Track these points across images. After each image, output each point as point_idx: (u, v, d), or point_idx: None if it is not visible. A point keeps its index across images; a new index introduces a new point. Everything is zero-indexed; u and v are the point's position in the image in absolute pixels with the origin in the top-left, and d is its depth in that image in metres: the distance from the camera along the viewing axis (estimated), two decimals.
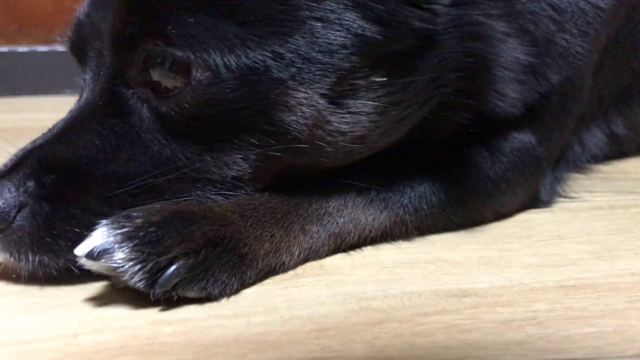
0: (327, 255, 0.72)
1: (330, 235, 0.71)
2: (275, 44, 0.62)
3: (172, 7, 0.61)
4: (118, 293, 0.62)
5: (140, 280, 0.57)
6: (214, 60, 0.61)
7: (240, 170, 0.67)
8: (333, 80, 0.64)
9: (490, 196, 0.81)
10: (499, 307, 0.60)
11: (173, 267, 0.58)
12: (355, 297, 0.62)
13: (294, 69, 0.63)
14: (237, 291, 0.63)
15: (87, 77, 0.71)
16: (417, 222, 0.76)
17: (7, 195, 0.62)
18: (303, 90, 0.64)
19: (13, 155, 0.68)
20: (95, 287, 0.64)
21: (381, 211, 0.74)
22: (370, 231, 0.74)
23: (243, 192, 0.68)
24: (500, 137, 0.82)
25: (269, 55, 0.62)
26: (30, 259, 0.62)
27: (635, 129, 1.14)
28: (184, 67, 0.62)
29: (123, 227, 0.59)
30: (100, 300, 0.61)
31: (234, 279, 0.62)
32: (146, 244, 0.58)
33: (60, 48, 2.34)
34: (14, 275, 0.64)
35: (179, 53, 0.62)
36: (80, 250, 0.58)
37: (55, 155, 0.65)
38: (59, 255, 0.62)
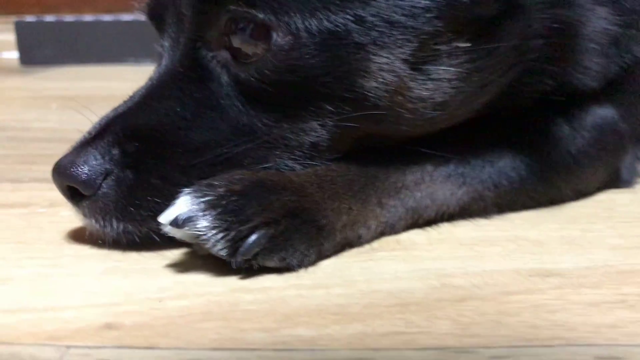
0: (403, 230, 0.71)
1: (407, 210, 0.70)
2: (357, 7, 0.61)
3: None
4: (198, 260, 0.62)
5: (222, 248, 0.58)
6: (296, 23, 0.61)
7: (317, 137, 0.66)
8: (415, 45, 0.63)
9: (571, 173, 0.79)
10: (585, 289, 0.58)
11: (254, 236, 0.58)
12: (434, 273, 0.61)
13: (375, 33, 0.62)
14: (314, 262, 0.62)
15: (166, 43, 0.71)
16: (496, 198, 0.75)
17: (94, 162, 0.63)
18: (384, 55, 0.62)
19: (96, 122, 0.68)
20: (174, 254, 0.65)
21: (459, 186, 0.72)
22: (448, 207, 0.72)
23: (320, 161, 0.68)
24: (581, 111, 0.79)
25: (351, 18, 0.61)
26: (114, 225, 0.63)
27: None
28: (265, 31, 0.62)
29: (206, 195, 0.59)
30: (180, 266, 0.62)
31: (312, 251, 0.62)
32: (228, 212, 0.58)
33: (125, 17, 2.36)
34: (99, 241, 0.65)
35: (260, 15, 0.61)
36: (165, 217, 0.59)
37: (138, 123, 0.66)
38: (141, 223, 0.63)
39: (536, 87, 0.73)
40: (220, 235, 0.57)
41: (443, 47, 0.65)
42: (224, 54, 0.65)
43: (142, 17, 0.78)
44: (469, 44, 0.65)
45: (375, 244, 0.68)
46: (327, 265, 0.63)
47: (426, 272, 0.61)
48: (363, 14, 0.61)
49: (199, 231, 0.57)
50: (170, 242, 0.64)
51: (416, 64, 0.64)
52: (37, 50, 2.44)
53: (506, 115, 0.75)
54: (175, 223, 0.58)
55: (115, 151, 0.64)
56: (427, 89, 0.66)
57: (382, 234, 0.69)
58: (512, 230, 0.72)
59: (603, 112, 0.80)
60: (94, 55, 2.41)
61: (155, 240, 0.64)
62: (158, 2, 0.72)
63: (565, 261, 0.63)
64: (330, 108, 0.64)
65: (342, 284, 0.59)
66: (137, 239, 0.64)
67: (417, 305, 0.55)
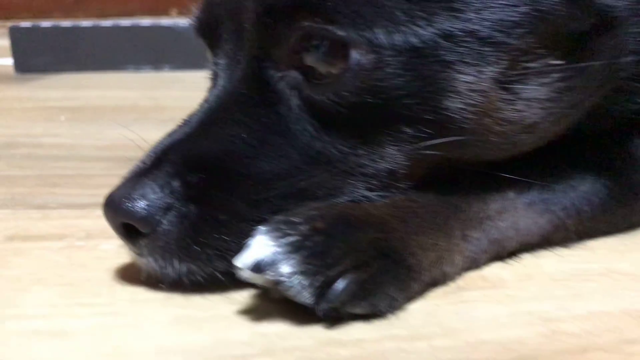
0: (485, 264, 0.65)
1: (490, 242, 0.64)
2: (445, 21, 0.55)
3: None
4: (272, 305, 0.56)
5: (307, 296, 0.51)
6: (379, 40, 0.55)
7: (395, 164, 0.60)
8: (505, 63, 0.57)
9: None
10: None
11: (343, 281, 0.51)
12: (537, 317, 0.55)
13: (464, 50, 0.56)
14: (402, 306, 0.56)
15: (222, 61, 0.64)
16: (578, 225, 0.69)
17: (152, 196, 0.56)
18: (473, 74, 0.57)
19: (150, 150, 0.62)
20: (243, 297, 0.58)
21: (541, 214, 0.67)
22: (530, 237, 0.66)
23: (395, 189, 0.61)
24: None
25: (439, 33, 0.55)
26: (176, 266, 0.57)
27: None
28: (344, 49, 0.56)
29: (287, 235, 0.52)
30: (255, 314, 0.55)
31: (401, 293, 0.55)
32: (315, 255, 0.52)
33: (124, 22, 2.29)
34: (157, 283, 0.58)
35: (340, 32, 0.55)
36: (242, 261, 0.52)
37: (200, 151, 0.59)
38: (207, 263, 0.57)
39: (625, 107, 0.68)
40: (307, 281, 0.51)
41: (534, 65, 0.59)
42: (294, 74, 0.59)
43: (141, 23, 0.71)
44: (561, 61, 0.60)
45: (460, 281, 0.62)
46: (416, 310, 0.56)
47: (529, 317, 0.55)
48: (451, 29, 0.55)
49: (283, 277, 0.51)
50: (235, 283, 0.57)
51: (505, 84, 0.59)
52: (33, 57, 2.35)
53: (587, 136, 0.69)
54: (255, 268, 0.51)
55: (175, 183, 0.57)
56: (516, 110, 0.60)
57: (465, 269, 0.63)
58: (601, 262, 0.66)
59: None
60: (92, 62, 2.32)
61: (220, 281, 0.57)
62: (212, 16, 0.66)
63: None
64: (410, 132, 0.58)
65: (442, 334, 0.52)
66: (200, 281, 0.58)
67: (539, 358, 0.48)
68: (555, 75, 0.60)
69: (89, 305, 0.57)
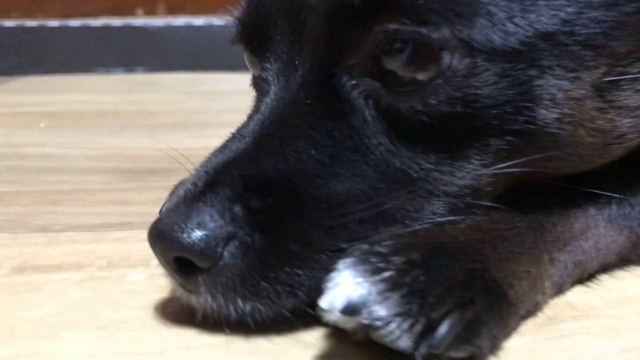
0: (568, 289, 0.58)
1: (575, 265, 0.58)
2: (545, 20, 0.49)
3: None
4: (349, 347, 0.48)
5: (406, 340, 0.44)
6: (478, 42, 0.48)
7: (479, 181, 0.53)
8: (605, 68, 0.51)
9: None
10: None
11: (447, 323, 0.44)
12: None
13: (563, 54, 0.50)
14: (502, 345, 0.49)
15: (273, 67, 0.56)
16: None
17: (212, 224, 0.48)
18: (571, 80, 0.50)
19: (200, 168, 0.53)
20: (313, 339, 0.50)
21: (621, 231, 0.61)
22: (610, 256, 0.61)
23: (476, 209, 0.54)
24: None
25: (538, 34, 0.49)
26: (239, 305, 0.48)
27: None
28: (435, 52, 0.49)
29: (379, 270, 0.45)
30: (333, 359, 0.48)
31: (501, 331, 0.49)
32: (414, 293, 0.44)
33: (94, 22, 2.17)
34: (216, 326, 0.50)
35: (434, 35, 0.48)
36: (330, 302, 0.44)
37: (262, 171, 0.51)
38: (275, 301, 0.49)
39: None
40: (407, 325, 0.44)
41: (630, 70, 0.53)
42: (370, 82, 0.51)
43: (112, 23, 0.63)
44: None
45: (548, 311, 0.55)
46: (515, 348, 0.50)
47: (638, 351, 0.49)
48: (552, 30, 0.49)
49: (378, 320, 0.43)
50: (303, 321, 0.50)
51: (602, 91, 0.53)
52: None
53: None
54: (346, 310, 0.44)
55: (237, 208, 0.49)
56: (608, 119, 0.54)
57: (552, 296, 0.56)
58: None
59: None
60: (59, 64, 2.20)
61: (287, 320, 0.50)
62: (260, 15, 0.58)
63: None
64: (499, 144, 0.52)
65: None
66: (266, 321, 0.50)
67: None
68: None
69: (138, 355, 0.49)
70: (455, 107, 0.49)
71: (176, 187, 0.68)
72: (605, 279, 0.61)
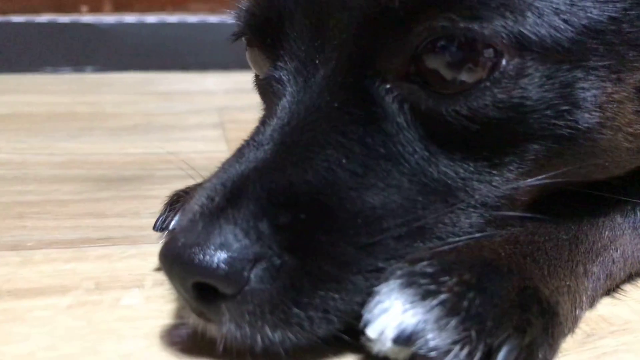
0: (598, 302, 0.56)
1: (606, 276, 0.55)
2: (595, 18, 0.46)
3: None
4: None
5: None
6: (532, 40, 0.44)
7: (519, 191, 0.50)
8: None
9: None
10: None
11: (505, 350, 0.40)
12: None
13: (612, 53, 0.47)
14: None
15: (288, 66, 0.51)
16: None
17: (236, 245, 0.42)
18: (616, 82, 0.48)
19: (214, 179, 0.47)
20: None
21: None
22: (635, 265, 0.59)
23: (511, 220, 0.51)
24: None
25: (588, 33, 0.46)
26: (267, 334, 0.43)
27: None
28: (484, 50, 0.45)
29: (432, 293, 0.41)
30: None
31: (552, 354, 0.45)
32: (472, 318, 0.40)
33: (40, 19, 2.05)
34: (242, 355, 0.45)
35: (485, 31, 0.44)
36: (379, 331, 0.40)
37: (289, 183, 0.45)
38: (308, 329, 0.44)
39: None
40: (464, 352, 0.39)
41: None
42: (408, 85, 0.47)
43: (59, 20, 0.57)
44: None
45: (584, 326, 0.52)
46: None
47: None
48: (601, 27, 0.46)
49: (436, 351, 0.39)
50: (334, 348, 0.45)
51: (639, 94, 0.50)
52: None
53: None
54: (398, 339, 0.39)
55: (263, 226, 0.43)
56: None
57: (586, 310, 0.53)
58: None
59: None
60: (3, 63, 2.07)
61: (319, 347, 0.45)
62: (273, 9, 0.52)
63: None
64: (537, 151, 0.48)
65: None
66: (295, 350, 0.44)
67: None
68: None
69: None
70: (501, 112, 0.45)
71: (174, 198, 0.62)
72: (630, 289, 0.59)
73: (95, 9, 2.30)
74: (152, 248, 0.64)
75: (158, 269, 0.61)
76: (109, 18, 2.25)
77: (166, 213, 0.61)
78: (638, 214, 0.59)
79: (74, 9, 2.42)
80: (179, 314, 0.52)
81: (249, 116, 0.60)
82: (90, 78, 2.03)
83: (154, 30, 2.19)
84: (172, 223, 0.59)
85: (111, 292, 0.57)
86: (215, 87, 1.81)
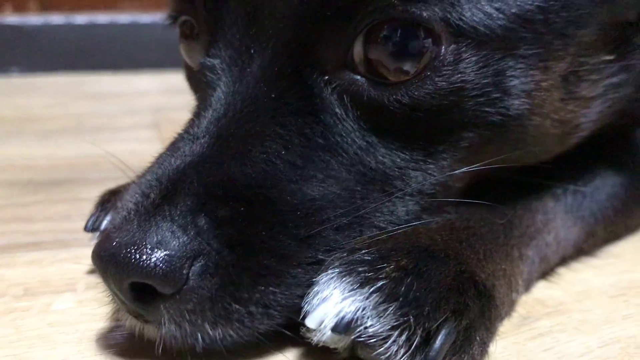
0: (534, 285, 0.57)
1: (541, 260, 0.57)
2: (525, 6, 0.47)
3: None
4: None
5: (403, 356, 0.40)
6: (467, 25, 0.45)
7: (454, 178, 0.50)
8: (570, 58, 0.50)
9: None
10: None
11: (443, 333, 0.41)
12: (626, 342, 0.49)
13: (540, 42, 0.48)
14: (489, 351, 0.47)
15: (222, 54, 0.50)
16: (605, 231, 0.64)
17: (174, 242, 0.41)
18: (544, 70, 0.49)
19: (147, 175, 0.46)
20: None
21: (575, 222, 0.61)
22: (568, 248, 0.61)
23: (445, 207, 0.52)
24: None
25: (519, 21, 0.47)
26: (207, 333, 0.42)
27: None
28: (425, 40, 0.45)
29: (371, 281, 0.41)
30: None
31: (489, 336, 0.46)
32: (410, 303, 0.40)
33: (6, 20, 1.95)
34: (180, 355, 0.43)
35: (424, 13, 0.44)
36: (318, 321, 0.40)
37: (227, 176, 0.44)
38: (248, 325, 0.43)
39: None
40: (403, 338, 0.40)
41: (590, 61, 0.52)
42: (348, 75, 0.47)
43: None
44: (612, 57, 0.54)
45: (521, 309, 0.54)
46: (500, 354, 0.47)
47: (618, 343, 0.49)
48: (531, 16, 0.47)
49: (375, 337, 0.39)
50: (273, 342, 0.45)
51: (567, 82, 0.52)
52: None
53: (606, 134, 0.65)
54: (337, 327, 0.39)
55: (201, 221, 0.42)
56: (569, 110, 0.53)
57: (522, 294, 0.55)
58: (637, 271, 0.62)
59: None
60: None
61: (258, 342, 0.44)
62: None
63: None
64: (470, 138, 0.49)
65: None
66: (236, 347, 0.44)
67: None
68: (605, 72, 0.54)
69: None
70: (442, 99, 0.46)
71: (105, 197, 0.60)
72: (563, 272, 0.61)
73: (20, 8, 2.22)
74: (85, 251, 0.61)
75: (91, 272, 0.59)
76: (35, 19, 2.17)
77: (97, 213, 0.59)
78: (569, 198, 0.61)
79: None
80: (114, 317, 0.50)
81: (185, 116, 0.59)
82: (17, 80, 1.96)
83: (83, 30, 2.13)
84: (104, 223, 0.57)
85: (41, 297, 0.55)
86: (149, 87, 1.77)
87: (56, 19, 2.17)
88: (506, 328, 0.51)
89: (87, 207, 0.65)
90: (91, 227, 0.58)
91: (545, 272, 0.59)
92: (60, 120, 1.37)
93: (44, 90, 1.80)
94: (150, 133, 1.20)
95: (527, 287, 0.56)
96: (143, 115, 1.38)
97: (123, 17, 2.10)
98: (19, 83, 1.89)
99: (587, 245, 0.63)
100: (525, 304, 0.55)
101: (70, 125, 1.31)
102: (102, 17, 2.09)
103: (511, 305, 0.52)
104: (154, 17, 1.96)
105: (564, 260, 0.61)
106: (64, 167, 0.97)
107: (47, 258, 0.63)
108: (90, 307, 0.53)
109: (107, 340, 0.48)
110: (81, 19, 2.15)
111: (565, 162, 0.61)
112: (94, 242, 0.57)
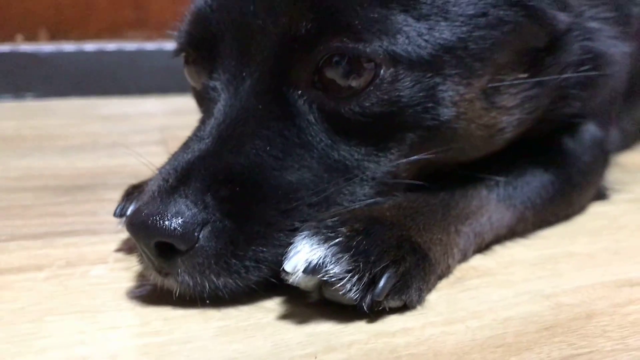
0: (471, 256, 0.72)
1: (475, 235, 0.71)
2: (448, 38, 0.62)
3: (353, 1, 0.59)
4: (305, 309, 0.59)
5: (355, 293, 0.55)
6: (400, 55, 0.60)
7: (398, 168, 0.66)
8: (489, 76, 0.66)
9: (582, 188, 0.86)
10: None
11: (386, 276, 0.56)
12: (538, 294, 0.63)
13: (461, 65, 0.63)
14: (426, 298, 0.61)
15: (222, 77, 0.66)
16: (534, 217, 0.79)
17: (188, 212, 0.56)
18: (466, 85, 0.64)
19: (167, 166, 0.61)
20: (274, 305, 0.60)
21: (507, 208, 0.75)
22: (501, 229, 0.75)
23: (396, 192, 0.67)
24: (581, 131, 0.86)
25: (443, 50, 0.62)
26: (213, 281, 0.57)
27: (637, 124, 1.24)
28: (368, 64, 0.60)
29: (331, 238, 0.56)
30: (294, 318, 0.58)
31: (425, 285, 0.61)
32: (359, 254, 0.55)
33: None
34: (194, 301, 0.58)
35: (367, 49, 0.59)
36: (293, 266, 0.54)
37: (227, 165, 0.60)
38: (244, 276, 0.58)
39: (562, 111, 0.79)
40: (355, 279, 0.55)
41: (507, 78, 0.68)
42: (314, 91, 0.63)
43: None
44: (526, 74, 0.69)
45: (457, 273, 0.68)
46: (436, 300, 0.62)
47: (531, 295, 0.63)
48: (452, 45, 0.63)
49: (334, 277, 0.54)
50: (262, 292, 0.59)
51: (487, 95, 0.67)
52: None
53: (534, 137, 0.80)
54: (308, 270, 0.54)
55: (208, 198, 0.57)
56: (492, 117, 0.69)
57: (459, 262, 0.70)
58: (559, 247, 0.76)
59: (592, 129, 0.89)
60: None
61: (252, 291, 0.59)
62: (208, 31, 0.67)
63: (631, 271, 0.69)
64: (412, 137, 0.65)
65: (471, 317, 0.58)
66: (235, 293, 0.58)
67: (559, 327, 0.56)
68: (521, 86, 0.69)
69: (122, 327, 0.56)
70: (384, 108, 0.61)
71: (130, 190, 0.75)
72: (498, 248, 0.75)
73: (31, 37, 2.38)
74: (112, 236, 0.77)
75: (119, 250, 0.74)
76: (47, 47, 2.32)
77: (124, 202, 0.74)
78: (501, 188, 0.75)
79: (10, 38, 2.49)
80: (140, 277, 0.64)
81: (189, 133, 0.73)
82: (33, 105, 2.10)
83: (92, 58, 2.27)
84: (130, 209, 0.72)
85: (80, 267, 0.69)
86: (155, 110, 1.90)
87: (67, 47, 2.32)
88: (442, 285, 0.65)
89: (111, 205, 0.79)
90: (119, 214, 0.73)
91: (481, 247, 0.73)
92: (76, 138, 1.52)
93: (58, 112, 1.94)
94: (159, 148, 1.34)
95: (464, 256, 0.70)
96: (151, 133, 1.52)
97: (130, 45, 2.23)
98: (35, 107, 2.03)
99: (519, 228, 0.78)
100: (461, 269, 0.69)
101: (86, 142, 1.45)
102: (110, 45, 2.23)
103: (447, 268, 0.66)
104: (159, 45, 2.12)
105: (498, 239, 0.75)
106: (86, 175, 1.12)
107: (81, 241, 0.77)
108: (121, 273, 0.67)
109: (136, 292, 0.62)
110: (90, 46, 2.30)
111: (501, 160, 0.76)
112: (121, 227, 0.72)
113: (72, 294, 0.63)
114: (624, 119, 1.16)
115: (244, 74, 0.64)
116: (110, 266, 0.70)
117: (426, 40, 0.61)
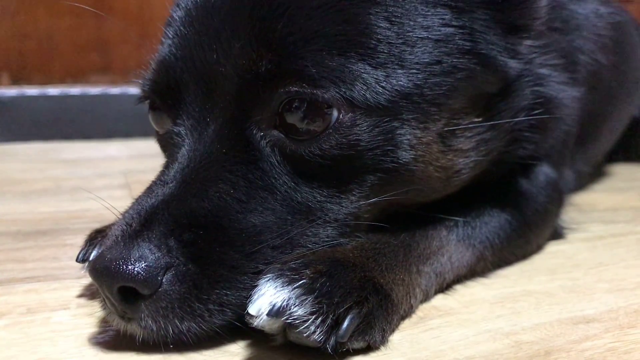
0: (432, 296, 0.73)
1: (436, 275, 0.73)
2: (404, 85, 0.65)
3: (311, 48, 0.62)
4: (269, 352, 0.59)
5: (319, 335, 0.55)
6: (358, 101, 0.62)
7: (360, 210, 0.67)
8: (445, 120, 0.69)
9: (538, 227, 0.88)
10: (627, 329, 0.65)
11: (349, 318, 0.57)
12: (499, 332, 0.64)
13: (419, 110, 0.66)
14: (389, 338, 0.62)
15: (185, 123, 0.67)
16: (493, 257, 0.81)
17: (151, 256, 0.56)
18: (423, 129, 0.67)
19: (131, 211, 0.61)
20: (238, 349, 0.60)
21: (467, 247, 0.77)
22: (461, 269, 0.77)
23: (358, 233, 0.68)
24: (535, 172, 0.90)
25: (400, 96, 0.64)
26: (176, 326, 0.57)
27: (590, 165, 1.29)
28: (326, 109, 0.62)
29: (295, 280, 0.56)
30: None
31: (388, 326, 0.62)
32: (323, 295, 0.56)
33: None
34: (150, 344, 0.58)
35: (325, 95, 0.61)
36: (257, 308, 0.55)
37: (190, 209, 0.60)
38: (208, 319, 0.58)
39: (515, 153, 0.82)
40: (319, 320, 0.55)
41: (462, 122, 0.71)
42: (275, 133, 0.64)
43: None
44: (480, 119, 0.72)
45: (419, 312, 0.69)
46: (399, 340, 0.63)
47: (492, 333, 0.64)
48: (409, 92, 0.65)
49: (298, 319, 0.55)
50: (228, 335, 0.60)
51: (444, 138, 0.70)
52: None
53: (490, 179, 0.83)
54: (272, 313, 0.54)
55: (171, 242, 0.58)
56: (448, 159, 0.71)
57: (421, 301, 0.71)
58: (518, 286, 0.78)
59: (546, 171, 0.92)
60: None
61: (215, 335, 0.59)
62: (171, 79, 0.68)
63: (587, 308, 0.71)
64: (372, 179, 0.66)
65: (434, 356, 0.59)
66: (199, 337, 0.58)
67: None
68: (475, 130, 0.72)
69: None
70: (343, 150, 0.63)
71: (92, 235, 0.75)
72: (459, 288, 0.77)
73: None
74: (74, 282, 0.77)
75: (81, 296, 0.73)
76: (10, 91, 2.30)
77: (86, 247, 0.73)
78: (460, 228, 0.78)
79: None
80: (102, 323, 0.64)
81: (153, 177, 0.73)
82: None
83: (56, 102, 2.26)
84: (93, 254, 0.72)
85: (41, 313, 0.68)
86: (119, 154, 1.90)
87: (30, 91, 2.31)
88: (405, 325, 0.66)
89: (73, 250, 0.79)
90: (82, 259, 0.72)
91: (442, 287, 0.74)
92: (38, 182, 1.50)
93: (21, 156, 1.92)
94: (122, 192, 1.34)
95: (426, 296, 0.71)
96: (114, 177, 1.52)
97: (93, 90, 2.23)
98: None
99: (479, 267, 0.80)
100: (424, 309, 0.70)
101: (49, 186, 1.44)
102: (74, 89, 2.23)
103: (410, 308, 0.67)
104: (123, 89, 2.12)
105: (459, 279, 0.77)
106: (48, 220, 1.11)
107: (42, 287, 0.76)
108: (83, 319, 0.67)
109: (99, 339, 0.62)
110: (54, 90, 2.29)
111: (459, 201, 0.79)
112: (83, 272, 0.72)
113: (33, 341, 0.62)
114: (578, 160, 1.21)
115: (208, 119, 0.66)
116: (73, 312, 0.69)
117: (383, 87, 0.64)
